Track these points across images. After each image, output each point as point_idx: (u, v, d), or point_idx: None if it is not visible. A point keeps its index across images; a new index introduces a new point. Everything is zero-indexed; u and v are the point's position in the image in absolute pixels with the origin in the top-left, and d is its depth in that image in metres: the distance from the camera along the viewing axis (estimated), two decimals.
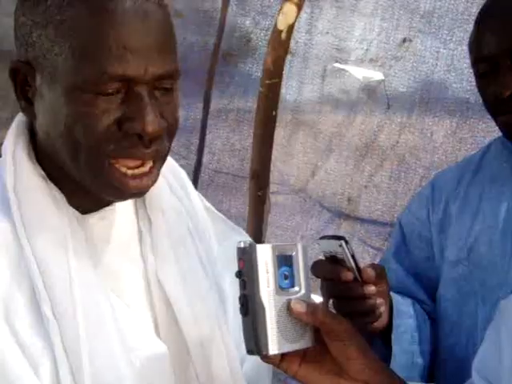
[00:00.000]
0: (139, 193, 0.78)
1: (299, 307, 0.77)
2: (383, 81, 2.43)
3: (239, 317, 0.77)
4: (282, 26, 2.13)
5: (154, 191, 0.84)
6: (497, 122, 1.11)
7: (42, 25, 0.73)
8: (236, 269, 0.76)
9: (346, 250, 0.93)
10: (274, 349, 0.76)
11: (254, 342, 0.75)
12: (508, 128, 1.10)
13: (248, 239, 0.79)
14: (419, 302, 1.18)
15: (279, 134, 2.69)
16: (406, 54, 2.39)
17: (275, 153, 2.61)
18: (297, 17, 2.12)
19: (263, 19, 2.67)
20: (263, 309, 0.76)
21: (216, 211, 0.97)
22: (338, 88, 2.59)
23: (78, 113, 0.73)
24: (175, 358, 0.83)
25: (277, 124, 2.48)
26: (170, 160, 0.89)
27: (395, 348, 1.05)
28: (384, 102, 2.49)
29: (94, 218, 0.82)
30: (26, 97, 0.76)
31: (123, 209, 0.84)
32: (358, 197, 2.89)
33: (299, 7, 2.11)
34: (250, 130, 2.65)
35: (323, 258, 0.95)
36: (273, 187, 2.74)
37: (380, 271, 0.99)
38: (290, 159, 2.94)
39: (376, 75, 2.43)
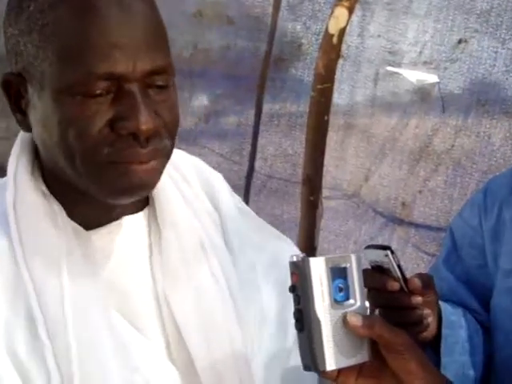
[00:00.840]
0: (144, 185, 0.75)
1: (355, 320, 0.75)
2: (438, 83, 2.37)
3: (280, 328, 0.76)
4: (334, 30, 2.12)
5: (165, 205, 0.81)
6: None
7: (26, 32, 0.71)
8: (276, 277, 0.75)
9: (392, 260, 0.92)
10: (331, 364, 0.75)
11: (311, 358, 0.74)
12: None
13: (299, 252, 0.78)
14: (471, 311, 1.14)
15: (331, 139, 2.67)
16: (462, 55, 2.33)
17: (327, 157, 2.59)
18: (348, 20, 2.10)
19: (314, 24, 2.65)
20: (319, 324, 0.75)
21: (258, 218, 0.94)
22: (391, 91, 2.55)
23: (68, 118, 0.70)
24: (185, 381, 0.80)
25: (329, 128, 2.46)
26: (200, 166, 0.87)
27: (445, 359, 1.02)
28: (439, 105, 2.44)
29: (98, 234, 0.79)
30: (20, 109, 0.75)
31: (133, 223, 0.81)
32: (412, 202, 2.84)
33: (350, 11, 2.09)
34: (302, 135, 2.64)
35: (369, 268, 0.94)
36: (325, 192, 2.72)
37: (427, 281, 0.97)
38: (343, 164, 2.91)
39: (430, 78, 2.38)
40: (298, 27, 2.70)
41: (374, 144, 2.77)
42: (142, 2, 0.71)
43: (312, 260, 0.75)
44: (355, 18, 2.38)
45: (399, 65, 2.43)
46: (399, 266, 0.91)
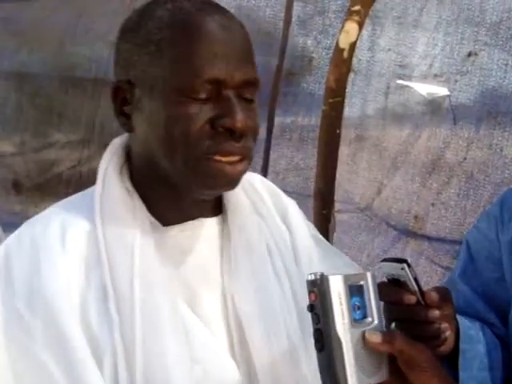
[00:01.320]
0: (232, 179, 0.85)
1: (375, 338, 0.74)
2: (448, 96, 2.36)
3: None
4: (344, 44, 2.11)
5: (236, 209, 0.91)
6: None
7: (143, 45, 0.85)
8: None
9: (409, 273, 0.90)
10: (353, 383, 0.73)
11: (333, 378, 0.73)
12: None
13: (319, 271, 0.77)
14: (489, 324, 1.12)
15: (343, 153, 2.66)
16: (472, 68, 2.32)
17: (339, 171, 2.58)
18: (359, 35, 2.09)
19: (325, 38, 2.65)
20: (340, 343, 0.73)
21: (331, 246, 1.04)
22: (402, 104, 2.54)
23: (175, 116, 0.82)
24: (245, 378, 0.85)
25: (341, 142, 2.45)
26: (263, 180, 0.99)
27: (463, 374, 1.00)
28: (450, 118, 2.43)
29: (174, 230, 0.88)
30: (124, 113, 0.87)
31: (207, 225, 0.90)
32: (425, 214, 2.83)
33: (361, 25, 2.09)
34: (313, 148, 2.63)
35: (386, 281, 0.93)
36: (337, 206, 2.70)
37: (444, 294, 0.95)
38: (355, 177, 2.90)
39: (441, 91, 2.37)
40: (309, 42, 2.70)
41: (385, 157, 2.75)
42: (238, 25, 0.87)
43: (331, 278, 0.74)
44: (365, 32, 2.38)
45: (410, 78, 2.42)
46: (416, 279, 0.90)
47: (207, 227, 0.91)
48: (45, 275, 0.82)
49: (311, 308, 0.74)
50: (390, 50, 2.43)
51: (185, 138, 0.83)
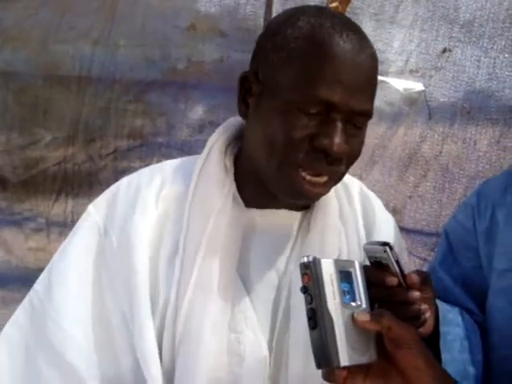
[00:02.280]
0: (310, 198, 0.91)
1: (363, 316, 0.76)
2: (424, 91, 2.36)
3: None
4: None
5: (322, 210, 0.95)
6: None
7: (278, 48, 0.89)
8: None
9: (391, 256, 0.91)
10: (345, 360, 0.74)
11: (325, 354, 0.74)
12: None
13: (310, 255, 0.79)
14: (468, 311, 1.12)
15: None
16: (447, 64, 2.33)
17: None
18: None
19: None
20: (332, 320, 0.75)
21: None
22: (380, 100, 2.53)
23: (283, 122, 0.88)
24: (274, 365, 0.91)
25: None
26: (362, 187, 1.04)
27: (445, 356, 1.00)
28: (426, 113, 2.43)
29: (254, 213, 0.95)
30: (245, 101, 0.94)
31: (288, 216, 0.95)
32: (402, 207, 2.83)
33: None
34: None
35: (369, 264, 0.92)
36: None
37: (425, 277, 0.95)
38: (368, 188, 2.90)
39: (417, 86, 2.37)
40: None
41: (363, 151, 2.74)
42: (370, 61, 0.89)
43: (323, 261, 0.77)
44: None
45: (386, 73, 2.42)
46: (397, 262, 0.90)
47: (289, 218, 0.97)
48: (135, 219, 0.93)
49: (305, 289, 0.77)
50: None
51: (283, 145, 0.88)
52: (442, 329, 1.00)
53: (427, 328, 0.98)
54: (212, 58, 2.82)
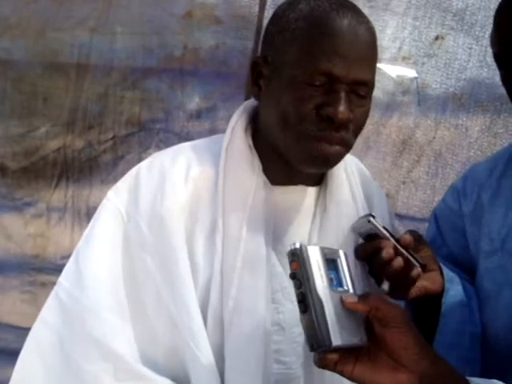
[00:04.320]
0: (325, 160, 0.93)
1: (351, 298, 0.77)
2: (416, 78, 2.37)
3: None
4: None
5: (335, 189, 1.00)
6: None
7: (281, 31, 0.95)
8: None
9: (376, 224, 0.93)
10: (336, 340, 0.76)
11: (316, 336, 0.75)
12: None
13: (297, 242, 0.82)
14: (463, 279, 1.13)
15: None
16: (439, 51, 2.33)
17: None
18: None
19: None
20: (321, 302, 0.77)
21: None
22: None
23: (292, 96, 0.93)
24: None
25: None
26: (357, 162, 1.03)
27: (445, 309, 1.01)
28: (418, 99, 2.43)
29: (280, 189, 0.99)
30: (257, 83, 0.97)
31: (307, 192, 1.00)
32: (396, 193, 2.84)
33: None
34: None
35: (362, 242, 0.94)
36: None
37: (418, 236, 0.97)
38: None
39: (409, 73, 2.37)
40: None
41: (358, 137, 2.76)
42: (366, 31, 0.94)
43: (309, 247, 0.78)
44: None
45: (380, 60, 2.42)
46: (385, 228, 0.92)
47: (307, 194, 1.01)
48: (166, 201, 0.94)
49: (293, 275, 0.78)
50: None
51: (294, 117, 0.93)
52: (446, 285, 1.01)
53: (436, 284, 0.99)
54: (208, 45, 2.82)
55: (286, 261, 0.93)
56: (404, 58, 2.38)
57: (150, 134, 3.00)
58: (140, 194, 0.95)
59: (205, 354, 0.89)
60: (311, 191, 1.02)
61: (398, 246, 0.93)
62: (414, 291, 0.96)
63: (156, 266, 0.91)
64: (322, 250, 0.81)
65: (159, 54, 2.89)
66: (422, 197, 2.73)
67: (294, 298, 0.93)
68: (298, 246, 0.79)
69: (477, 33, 2.32)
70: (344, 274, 0.82)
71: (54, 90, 4.03)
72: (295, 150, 0.93)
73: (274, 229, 0.97)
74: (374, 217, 0.92)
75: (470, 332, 1.06)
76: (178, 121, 2.90)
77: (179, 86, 2.83)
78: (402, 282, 0.94)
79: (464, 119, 2.44)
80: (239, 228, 0.94)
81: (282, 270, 0.98)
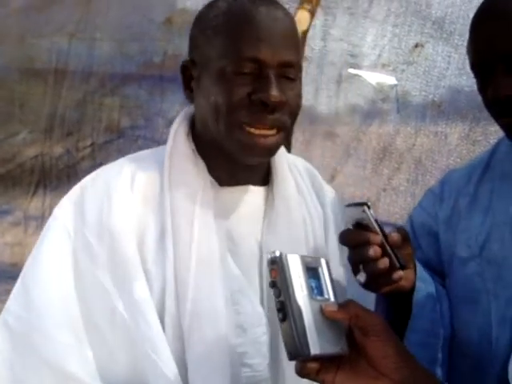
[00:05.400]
0: (264, 150, 0.92)
1: (331, 307, 0.76)
2: (396, 85, 2.38)
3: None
4: None
5: (281, 184, 1.00)
6: (498, 123, 1.07)
7: (203, 30, 0.95)
8: None
9: (369, 215, 0.91)
10: (315, 349, 0.73)
11: (295, 345, 0.73)
12: (509, 130, 1.05)
13: (276, 250, 0.79)
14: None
15: (297, 140, 2.66)
16: (418, 58, 2.35)
17: None
18: (310, 23, 2.08)
19: None
20: (300, 311, 0.74)
21: None
22: (354, 93, 2.55)
23: (222, 87, 0.91)
24: (270, 326, 0.93)
25: (295, 129, 2.45)
26: (312, 170, 1.06)
27: (416, 311, 1.00)
28: (398, 106, 2.45)
29: (228, 190, 0.97)
30: (189, 87, 0.97)
31: (255, 191, 0.99)
32: (377, 200, 2.84)
33: (312, 14, 2.08)
34: None
35: (351, 227, 0.92)
36: None
37: (404, 235, 0.96)
38: (309, 163, 2.90)
39: (389, 80, 2.39)
40: None
41: (339, 144, 2.76)
42: (284, 15, 0.94)
43: (289, 255, 0.77)
44: (318, 22, 2.37)
45: (360, 67, 2.43)
46: (377, 221, 0.90)
47: (255, 193, 0.99)
48: (114, 211, 0.92)
49: (273, 284, 0.76)
50: (341, 39, 2.44)
51: (225, 107, 0.91)
52: (418, 284, 1.00)
53: (408, 281, 0.98)
54: (187, 52, 2.82)
55: (242, 261, 0.93)
56: (384, 66, 2.40)
57: (129, 140, 2.98)
58: (86, 208, 0.93)
59: (167, 363, 0.86)
60: (259, 191, 1.00)
61: (385, 243, 0.91)
62: (388, 287, 0.96)
63: (109, 279, 0.89)
64: (303, 258, 0.79)
65: (139, 61, 2.88)
66: (402, 204, 2.74)
67: (253, 299, 0.93)
68: (277, 254, 0.77)
69: (456, 41, 2.34)
70: (325, 282, 0.80)
71: (31, 96, 3.98)
72: (233, 140, 0.92)
73: (226, 229, 0.95)
74: (369, 207, 0.90)
75: (440, 333, 1.06)
76: (158, 128, 2.89)
77: (159, 93, 2.82)
78: (380, 279, 0.93)
79: (443, 126, 2.46)
80: (190, 230, 0.92)
81: (239, 271, 0.96)
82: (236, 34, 0.92)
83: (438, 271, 1.15)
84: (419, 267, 1.04)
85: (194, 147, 0.98)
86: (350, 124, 2.69)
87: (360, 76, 2.37)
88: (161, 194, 0.94)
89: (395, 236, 0.92)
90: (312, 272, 0.78)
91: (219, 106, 0.91)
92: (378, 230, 0.91)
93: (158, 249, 0.91)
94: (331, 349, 0.75)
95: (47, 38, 3.56)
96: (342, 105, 2.64)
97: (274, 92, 0.89)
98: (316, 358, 0.74)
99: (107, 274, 0.89)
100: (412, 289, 1.01)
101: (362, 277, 0.93)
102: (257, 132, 0.91)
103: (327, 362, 0.75)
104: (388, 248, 0.92)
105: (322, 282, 0.79)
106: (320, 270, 0.79)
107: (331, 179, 3.00)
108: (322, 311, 0.76)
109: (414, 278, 1.01)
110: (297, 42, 0.96)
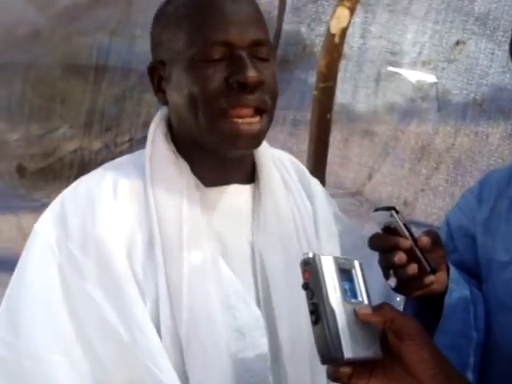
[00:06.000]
0: (250, 138, 0.88)
1: (365, 310, 0.74)
2: (436, 84, 2.34)
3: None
4: (335, 29, 2.08)
5: (267, 180, 0.96)
6: None
7: (166, 26, 0.91)
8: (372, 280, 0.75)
9: (398, 219, 0.89)
10: (348, 353, 0.71)
11: (328, 348, 0.72)
12: None
13: (310, 252, 0.78)
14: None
15: (335, 138, 2.64)
16: (460, 56, 2.30)
17: (331, 156, 2.56)
18: (349, 20, 2.06)
19: (318, 25, 2.62)
20: (334, 313, 0.73)
21: (351, 223, 1.05)
22: (393, 91, 2.52)
23: (195, 77, 0.87)
24: (268, 326, 0.90)
25: (333, 127, 2.43)
26: (298, 164, 1.01)
27: (447, 312, 0.97)
28: (438, 105, 2.41)
29: (214, 190, 0.93)
30: (160, 89, 0.91)
31: (241, 190, 0.95)
32: (414, 200, 2.81)
33: (352, 11, 2.06)
34: (306, 133, 2.62)
35: (380, 232, 0.91)
36: (329, 190, 2.67)
37: (435, 238, 0.94)
38: (347, 162, 2.88)
39: (429, 78, 2.35)
40: (302, 29, 2.67)
41: (376, 142, 2.73)
42: None
43: (323, 257, 0.75)
44: (357, 19, 2.35)
45: (399, 65, 2.40)
46: (405, 225, 0.89)
47: (242, 191, 0.96)
48: (98, 221, 0.88)
49: (306, 286, 0.75)
50: (381, 37, 2.41)
51: (203, 95, 0.88)
52: (451, 285, 0.98)
53: (440, 284, 0.95)
54: None
55: (234, 263, 0.91)
56: (424, 63, 2.36)
57: None
58: (68, 221, 0.90)
59: (168, 375, 0.83)
60: (246, 189, 0.96)
61: (414, 247, 0.90)
62: (419, 291, 0.94)
63: (99, 292, 0.86)
64: (336, 259, 0.77)
65: None
66: (440, 204, 2.70)
67: (249, 301, 0.91)
68: (310, 255, 0.75)
69: (499, 38, 2.29)
70: (359, 284, 0.78)
71: (72, 92, 4.05)
72: (215, 132, 0.88)
73: (215, 232, 0.92)
74: (397, 212, 0.89)
75: (472, 336, 1.03)
76: None
77: None
78: (410, 284, 0.92)
79: (485, 126, 2.41)
80: (178, 235, 0.89)
81: (232, 274, 0.92)
82: (200, 20, 0.90)
83: (474, 274, 1.12)
84: (452, 269, 1.02)
85: (174, 149, 0.94)
86: (388, 122, 2.66)
87: (399, 74, 2.34)
88: (145, 201, 0.91)
89: (425, 239, 0.91)
90: (345, 274, 0.77)
91: (195, 96, 0.88)
92: (406, 234, 0.90)
93: (147, 258, 0.87)
94: (365, 353, 0.74)
95: (90, 36, 3.62)
96: (381, 103, 2.61)
97: (251, 72, 0.86)
98: (349, 363, 0.73)
99: (97, 287, 0.85)
100: (444, 292, 0.99)
101: (392, 281, 0.92)
102: (240, 121, 0.87)
103: (360, 366, 0.74)
104: (418, 252, 0.90)
105: (356, 284, 0.77)
106: (353, 271, 0.78)
107: (368, 178, 2.97)
108: (355, 314, 0.75)
109: (446, 281, 0.99)
110: (263, 19, 0.93)
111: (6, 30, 4.17)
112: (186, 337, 0.85)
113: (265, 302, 0.91)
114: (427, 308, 0.99)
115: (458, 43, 2.23)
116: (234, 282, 0.90)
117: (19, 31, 4.16)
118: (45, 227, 0.89)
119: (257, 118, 0.87)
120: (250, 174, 0.96)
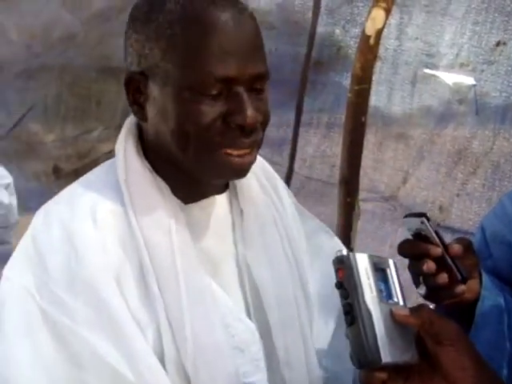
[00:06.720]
0: (241, 170, 0.86)
1: (402, 311, 0.70)
2: (474, 86, 2.29)
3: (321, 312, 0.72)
4: (370, 31, 2.05)
5: (246, 188, 0.93)
6: None
7: (154, 38, 0.83)
8: (320, 269, 0.71)
9: (428, 226, 0.87)
10: (386, 356, 0.68)
11: (364, 351, 0.68)
12: None
13: (342, 248, 0.75)
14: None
15: (369, 141, 2.61)
16: (500, 57, 2.25)
17: (365, 159, 2.53)
18: (385, 22, 2.03)
19: (353, 27, 2.60)
20: (370, 314, 0.69)
21: (308, 213, 1.01)
22: (429, 94, 2.47)
23: (187, 111, 0.82)
24: (262, 336, 0.89)
25: (367, 130, 2.40)
26: (263, 162, 0.97)
27: (478, 320, 0.94)
28: (476, 108, 2.36)
29: (195, 208, 0.90)
30: (137, 102, 0.85)
31: (220, 201, 0.92)
32: (449, 205, 2.75)
33: (387, 12, 2.02)
34: (340, 136, 2.59)
35: (410, 238, 0.89)
36: (362, 194, 2.65)
37: (467, 245, 0.91)
38: (381, 166, 2.84)
39: (467, 80, 2.30)
40: (337, 31, 2.65)
41: (411, 146, 2.69)
42: (249, 18, 0.84)
43: (357, 254, 0.72)
44: (393, 20, 2.32)
45: (436, 67, 2.36)
46: (436, 232, 0.86)
47: (220, 201, 0.93)
48: (82, 257, 0.82)
49: (339, 285, 0.71)
50: (417, 38, 2.37)
51: (197, 132, 0.82)
52: (483, 293, 0.94)
53: (472, 293, 0.93)
54: None
55: (223, 280, 0.88)
56: (462, 65, 2.31)
57: None
58: (47, 261, 0.83)
59: None
60: (223, 198, 0.93)
61: (445, 254, 0.88)
62: (449, 300, 0.91)
63: (95, 334, 0.80)
64: (371, 257, 0.74)
65: None
66: (477, 210, 2.65)
67: (241, 316, 0.88)
68: (345, 252, 0.72)
69: None
70: (394, 284, 0.75)
71: (106, 94, 4.10)
72: (203, 167, 0.85)
73: (203, 252, 0.89)
74: (428, 219, 0.86)
75: (505, 348, 0.99)
76: None
77: None
78: (440, 292, 0.89)
79: None
80: (172, 262, 0.84)
81: (223, 292, 0.88)
82: (200, 48, 0.82)
83: (509, 282, 1.09)
84: (486, 276, 0.98)
85: (149, 166, 0.89)
86: (423, 126, 2.62)
87: (436, 76, 2.30)
88: (128, 227, 0.85)
89: (456, 247, 0.88)
90: (380, 273, 0.74)
91: (187, 130, 0.82)
92: (437, 241, 0.87)
93: (140, 288, 0.83)
94: (402, 357, 0.70)
95: (122, 38, 3.65)
96: (416, 106, 2.57)
97: (250, 112, 0.82)
98: (384, 367, 0.69)
99: (91, 329, 0.80)
100: (476, 300, 0.96)
101: (421, 289, 0.90)
102: (235, 152, 0.84)
103: (394, 372, 0.70)
104: (449, 260, 0.88)
105: (391, 284, 0.74)
106: (388, 271, 0.75)
107: (403, 182, 2.93)
108: (391, 315, 0.72)
109: (478, 289, 0.95)
110: (263, 45, 0.86)
111: (41, 33, 4.25)
112: (193, 367, 0.83)
113: (256, 313, 0.89)
114: (459, 316, 0.96)
115: (498, 44, 2.18)
116: (227, 300, 0.88)
117: (54, 34, 4.24)
118: (18, 273, 0.83)
119: (249, 151, 0.84)
120: (223, 182, 0.92)
